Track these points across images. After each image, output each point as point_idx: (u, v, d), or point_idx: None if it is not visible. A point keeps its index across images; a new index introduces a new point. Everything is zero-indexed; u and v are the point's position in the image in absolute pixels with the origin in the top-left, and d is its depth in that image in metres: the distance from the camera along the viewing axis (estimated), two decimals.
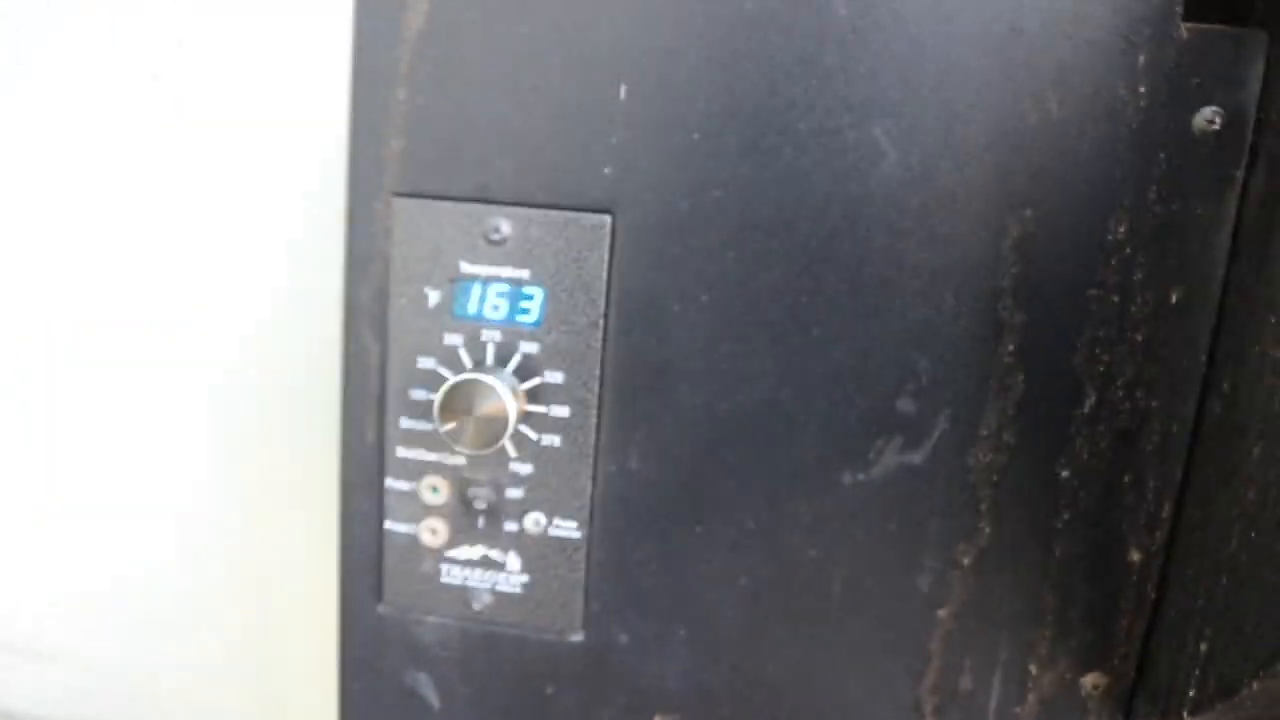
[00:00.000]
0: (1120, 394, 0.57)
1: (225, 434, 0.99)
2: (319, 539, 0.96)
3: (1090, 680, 0.61)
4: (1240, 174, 0.54)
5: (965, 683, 0.61)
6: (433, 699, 0.65)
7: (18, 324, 1.00)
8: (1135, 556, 0.59)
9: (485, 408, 0.57)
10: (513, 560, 0.62)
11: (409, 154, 0.58)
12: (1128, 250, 0.55)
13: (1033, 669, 0.61)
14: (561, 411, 0.60)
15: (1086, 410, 0.57)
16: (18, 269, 0.98)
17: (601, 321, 0.58)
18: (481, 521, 0.62)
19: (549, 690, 0.64)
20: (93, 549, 1.06)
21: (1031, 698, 0.61)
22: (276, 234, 0.91)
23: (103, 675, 1.10)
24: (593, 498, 0.61)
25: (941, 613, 0.61)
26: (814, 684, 0.62)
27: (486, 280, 0.59)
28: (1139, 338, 0.56)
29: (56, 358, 1.00)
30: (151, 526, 1.04)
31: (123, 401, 1.00)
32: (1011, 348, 0.57)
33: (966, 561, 0.60)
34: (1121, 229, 0.55)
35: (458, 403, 0.57)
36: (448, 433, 0.57)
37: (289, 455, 0.96)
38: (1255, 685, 0.47)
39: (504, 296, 0.59)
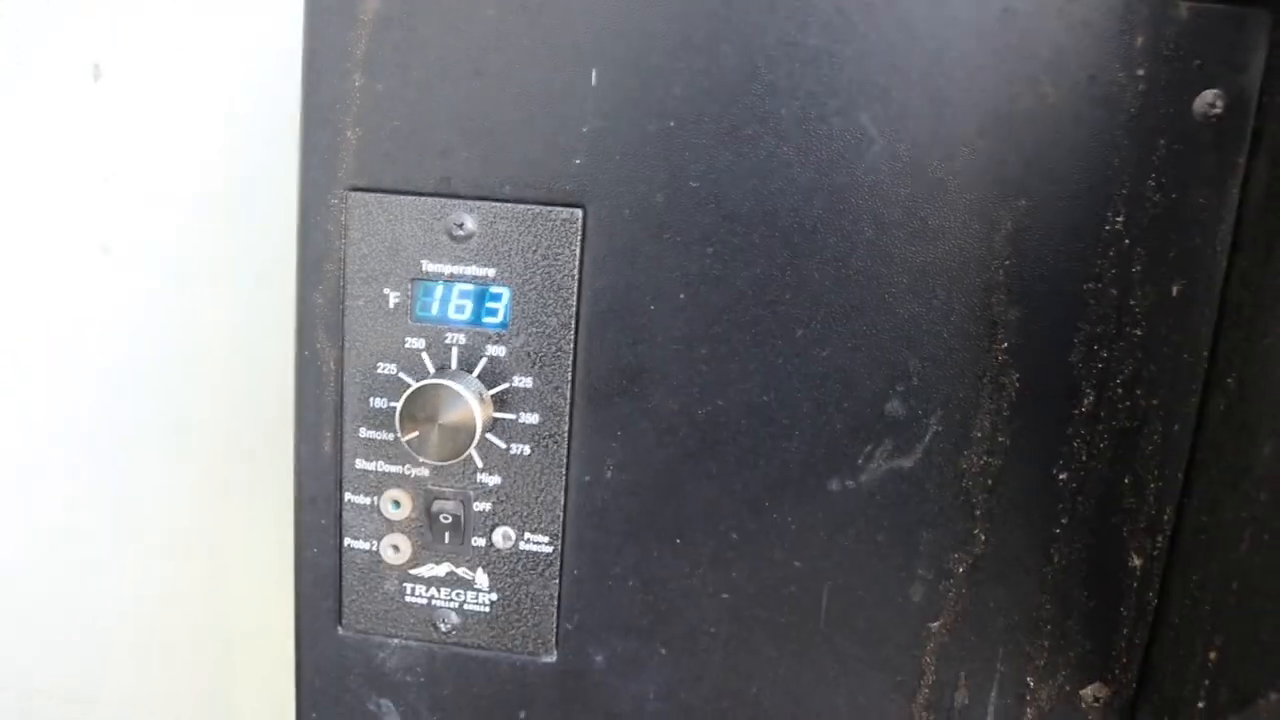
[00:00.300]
0: (1119, 392, 0.55)
1: (179, 451, 0.95)
2: (272, 559, 0.93)
3: (1090, 692, 0.59)
4: (1243, 161, 0.52)
5: (960, 698, 0.60)
6: None
7: None
8: (1136, 562, 0.57)
9: (450, 415, 0.54)
10: (481, 578, 0.60)
11: (366, 144, 0.56)
12: (1126, 242, 0.53)
13: (1030, 682, 0.59)
14: (531, 418, 0.57)
15: (1084, 410, 0.55)
16: None
17: (573, 322, 0.56)
18: (447, 537, 0.59)
19: (521, 715, 0.62)
20: (32, 569, 1.01)
21: (1030, 712, 0.60)
22: (232, 235, 0.87)
23: (46, 702, 1.05)
24: (565, 510, 0.59)
25: (935, 625, 0.59)
26: (801, 703, 0.60)
27: (450, 279, 0.56)
28: (1138, 333, 0.54)
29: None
30: (88, 547, 0.99)
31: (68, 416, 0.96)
32: (1005, 345, 0.55)
33: (961, 570, 0.58)
34: (1119, 219, 0.53)
35: (420, 410, 0.54)
36: (410, 442, 0.55)
37: (241, 466, 0.93)
38: (1274, 696, 0.45)
39: (469, 297, 0.56)
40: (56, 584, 1.02)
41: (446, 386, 0.54)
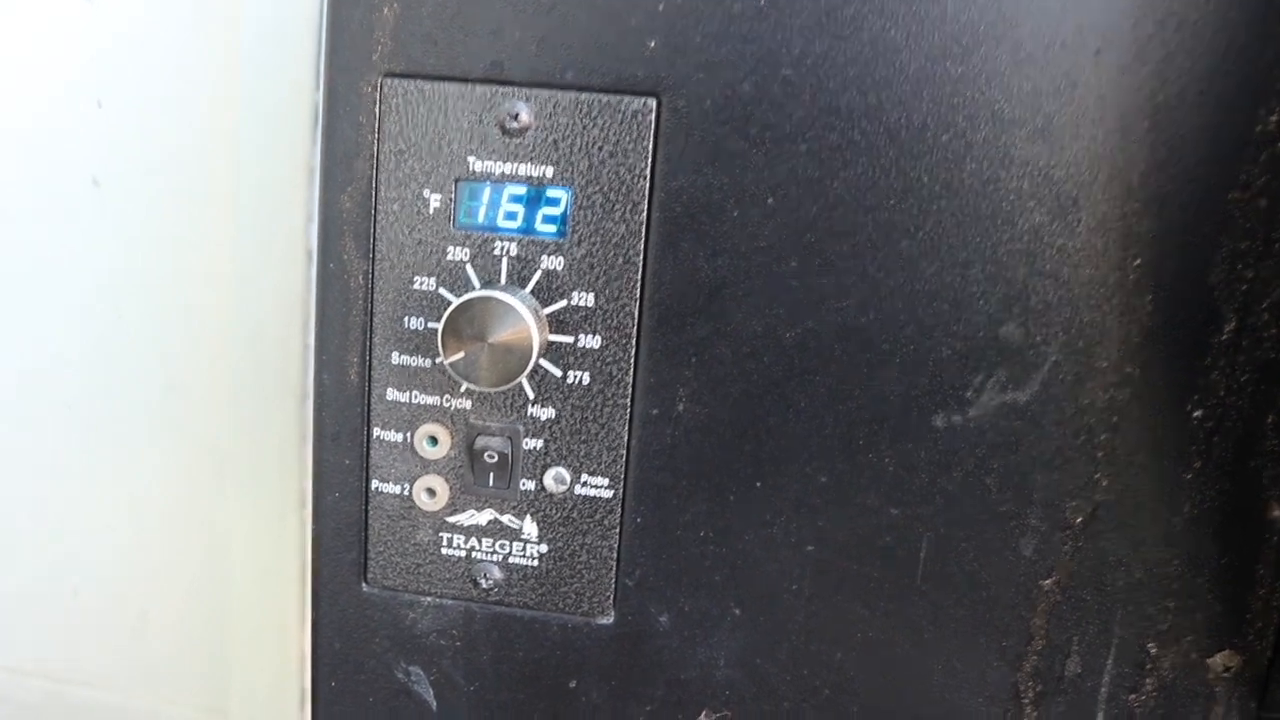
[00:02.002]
0: (1264, 318, 0.51)
1: (170, 393, 0.90)
2: (278, 509, 0.89)
3: (1220, 660, 0.56)
4: None
5: (1072, 665, 0.56)
6: (429, 698, 0.60)
7: None
8: (1277, 513, 0.53)
9: (502, 332, 0.51)
10: (529, 526, 0.57)
11: (404, 23, 0.52)
12: (1278, 145, 0.49)
13: (1152, 648, 0.56)
14: (591, 342, 0.54)
15: (1224, 338, 0.52)
16: None
17: (642, 230, 0.53)
18: (491, 479, 0.56)
19: (571, 684, 0.59)
20: (8, 540, 0.96)
21: (1149, 682, 0.57)
22: (235, 156, 0.82)
23: (34, 679, 1.02)
24: (629, 448, 0.56)
25: (1046, 583, 0.55)
26: (892, 671, 0.57)
27: (500, 180, 0.52)
28: None
29: None
30: (72, 508, 0.95)
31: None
32: (1138, 262, 0.51)
33: (1078, 521, 0.54)
34: (1273, 119, 0.49)
35: (468, 326, 0.51)
36: (454, 365, 0.52)
37: (241, 407, 0.88)
38: None
39: (521, 200, 0.53)
40: (37, 556, 0.98)
41: (498, 299, 0.50)
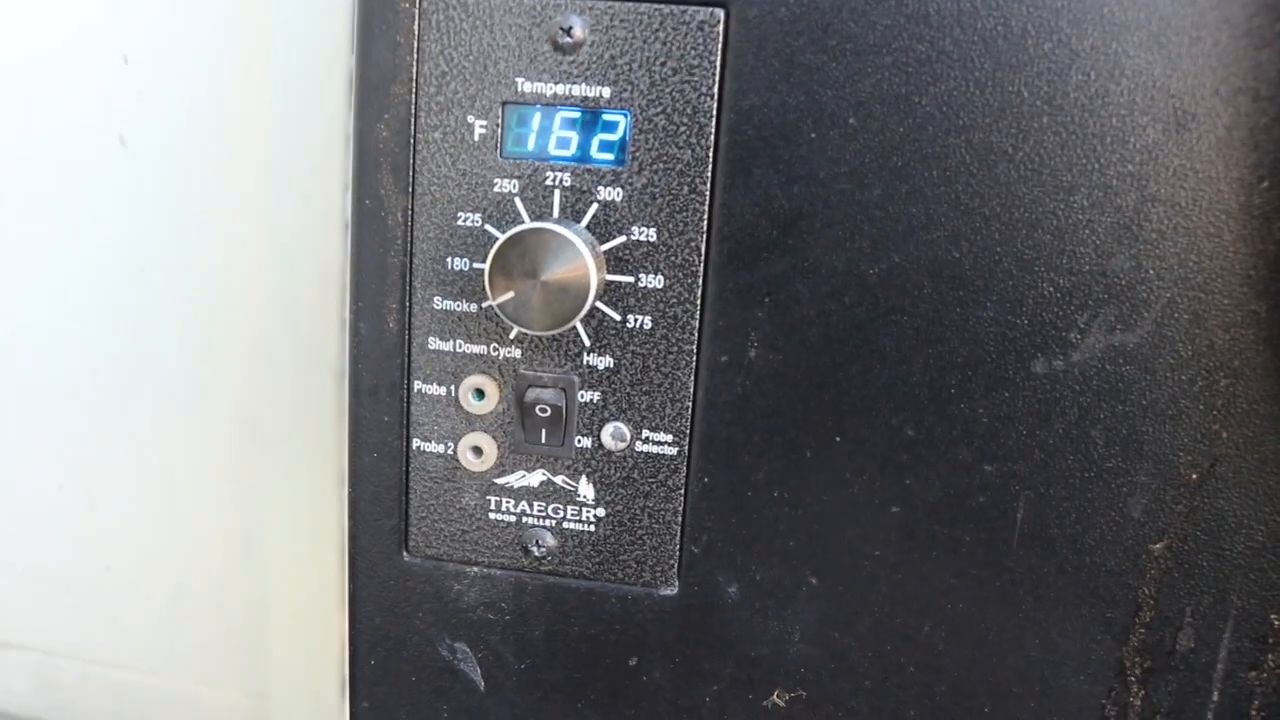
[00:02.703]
0: None
1: (203, 365, 0.86)
2: (316, 483, 0.85)
3: None
4: None
5: (1185, 640, 0.51)
6: (476, 678, 0.56)
7: None
8: None
9: (558, 270, 0.47)
10: (585, 488, 0.53)
11: None
12: None
13: (1275, 621, 0.51)
14: (654, 282, 0.50)
15: None
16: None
17: (710, 156, 0.49)
18: (544, 435, 0.52)
19: (632, 661, 0.55)
20: (44, 519, 0.94)
21: (1271, 659, 0.51)
22: (268, 117, 0.79)
23: (70, 661, 1.01)
24: (695, 400, 0.52)
25: (1157, 547, 0.51)
26: (985, 646, 0.52)
27: (552, 103, 0.49)
28: None
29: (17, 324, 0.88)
30: (104, 483, 0.92)
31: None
32: (1266, 185, 0.46)
33: (1194, 478, 0.50)
34: None
35: (519, 262, 0.47)
36: (503, 306, 0.47)
37: (278, 379, 0.85)
38: None
39: (575, 125, 0.49)
40: (68, 536, 0.97)
41: (553, 231, 0.46)
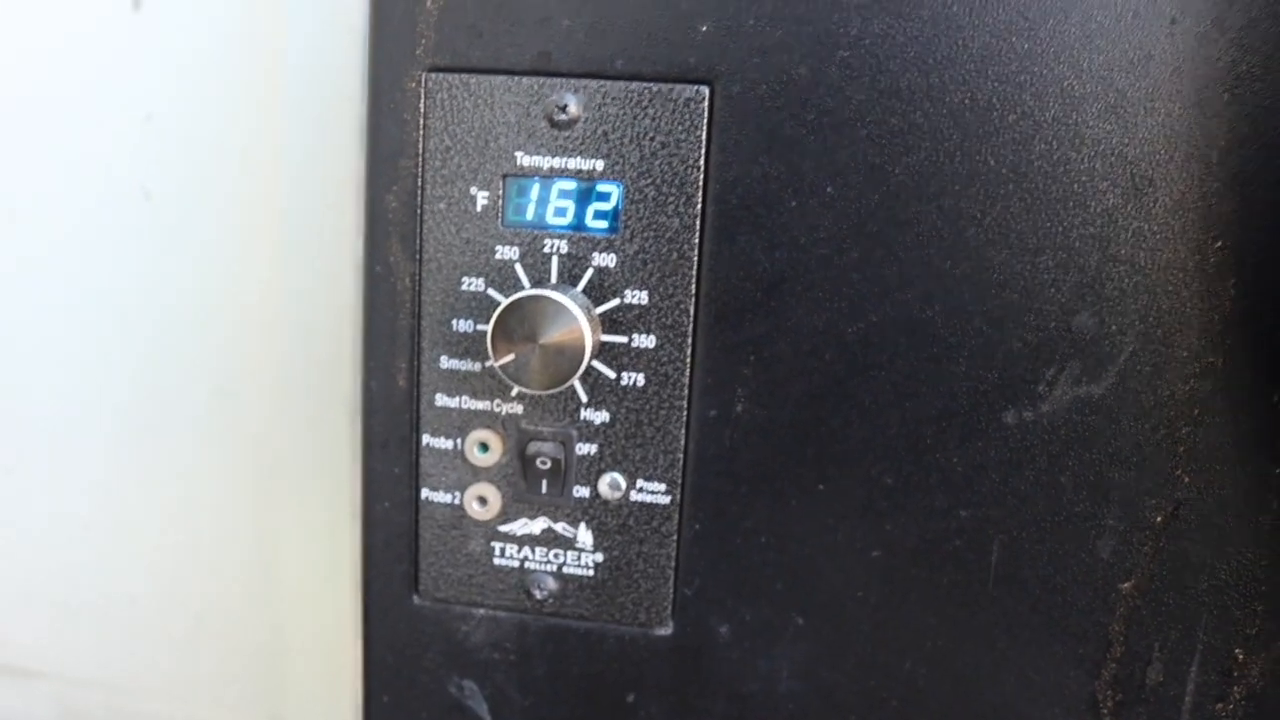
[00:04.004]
0: None
1: (222, 402, 0.87)
2: (327, 522, 0.86)
3: None
4: None
5: (1154, 673, 0.52)
6: (483, 713, 0.57)
7: None
8: None
9: (555, 333, 0.48)
10: (584, 535, 0.54)
11: (448, 15, 0.49)
12: None
13: (1239, 654, 0.52)
14: (646, 341, 0.50)
15: None
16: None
17: (697, 224, 0.49)
18: (544, 486, 0.53)
19: (630, 698, 0.55)
20: (66, 550, 0.95)
21: (1237, 690, 0.52)
22: (283, 165, 0.80)
23: (92, 690, 1.00)
24: (686, 452, 0.52)
25: (1125, 586, 0.51)
26: (964, 681, 0.53)
27: (549, 175, 0.50)
28: None
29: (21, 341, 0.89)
30: (128, 517, 0.93)
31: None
32: (1219, 245, 0.47)
33: (1159, 520, 0.50)
34: None
35: (519, 327, 0.48)
36: (505, 367, 0.48)
37: (295, 417, 0.85)
38: None
39: (571, 196, 0.50)
40: (92, 570, 0.96)
41: (550, 298, 0.47)
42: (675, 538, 0.53)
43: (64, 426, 0.93)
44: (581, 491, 0.52)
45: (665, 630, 0.54)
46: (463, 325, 0.51)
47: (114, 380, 0.90)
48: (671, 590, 0.53)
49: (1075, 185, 0.47)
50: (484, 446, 0.52)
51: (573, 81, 0.48)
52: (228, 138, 0.82)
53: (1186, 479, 0.49)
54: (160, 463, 0.92)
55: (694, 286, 0.50)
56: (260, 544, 0.91)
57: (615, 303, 0.50)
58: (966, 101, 0.47)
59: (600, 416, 0.51)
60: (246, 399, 0.89)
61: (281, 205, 0.81)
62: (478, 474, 0.53)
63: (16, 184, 0.86)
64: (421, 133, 0.50)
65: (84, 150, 0.85)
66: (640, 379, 0.51)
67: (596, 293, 0.50)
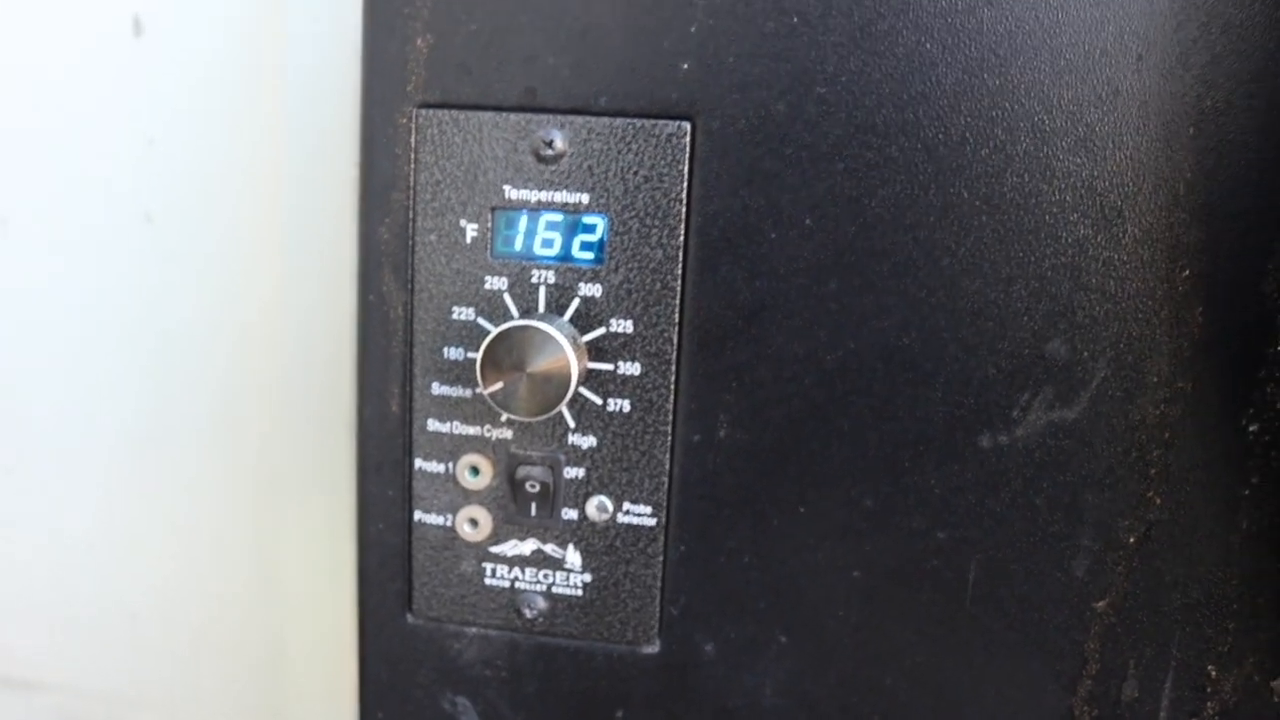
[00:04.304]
0: None
1: (223, 422, 0.89)
2: (327, 538, 0.87)
3: None
4: None
5: (1130, 689, 0.53)
6: None
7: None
8: None
9: (541, 362, 0.49)
10: (572, 556, 0.55)
11: (438, 53, 0.50)
12: None
13: (1212, 670, 0.53)
14: (631, 369, 0.52)
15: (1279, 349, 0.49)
16: None
17: (679, 255, 0.51)
18: (533, 508, 0.54)
19: (618, 714, 0.56)
20: (70, 567, 0.96)
21: (1211, 706, 0.53)
22: (282, 188, 0.81)
23: (94, 701, 1.00)
24: (671, 476, 0.53)
25: (1100, 604, 0.52)
26: (943, 697, 0.54)
27: (536, 208, 0.51)
28: None
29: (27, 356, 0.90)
30: (130, 534, 0.94)
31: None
32: (1187, 273, 0.48)
33: (1131, 540, 0.51)
34: None
35: (506, 356, 0.49)
36: (494, 395, 0.50)
37: (295, 437, 0.86)
38: None
39: (558, 228, 0.51)
40: (95, 583, 0.97)
41: (537, 328, 0.48)
42: (661, 558, 0.54)
43: (68, 442, 0.94)
44: (570, 514, 0.53)
45: (652, 648, 0.55)
46: (453, 353, 0.52)
47: (116, 398, 0.91)
48: (658, 609, 0.54)
49: (1046, 216, 0.48)
50: (475, 470, 0.53)
51: (558, 117, 0.49)
52: (228, 162, 0.84)
53: (1158, 500, 0.50)
54: (162, 478, 0.93)
55: (677, 315, 0.51)
56: (260, 558, 0.92)
57: (601, 331, 0.51)
58: (940, 136, 0.48)
59: (587, 441, 0.52)
60: (246, 416, 0.89)
61: (280, 228, 0.82)
62: (469, 497, 0.54)
63: (21, 205, 0.88)
64: (413, 167, 0.51)
65: (87, 173, 0.86)
66: (626, 405, 0.52)
67: (583, 322, 0.51)
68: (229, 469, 0.91)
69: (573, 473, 0.53)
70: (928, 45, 0.47)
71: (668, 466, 0.53)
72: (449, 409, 0.53)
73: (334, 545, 0.89)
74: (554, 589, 0.55)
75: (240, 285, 0.86)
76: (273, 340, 0.86)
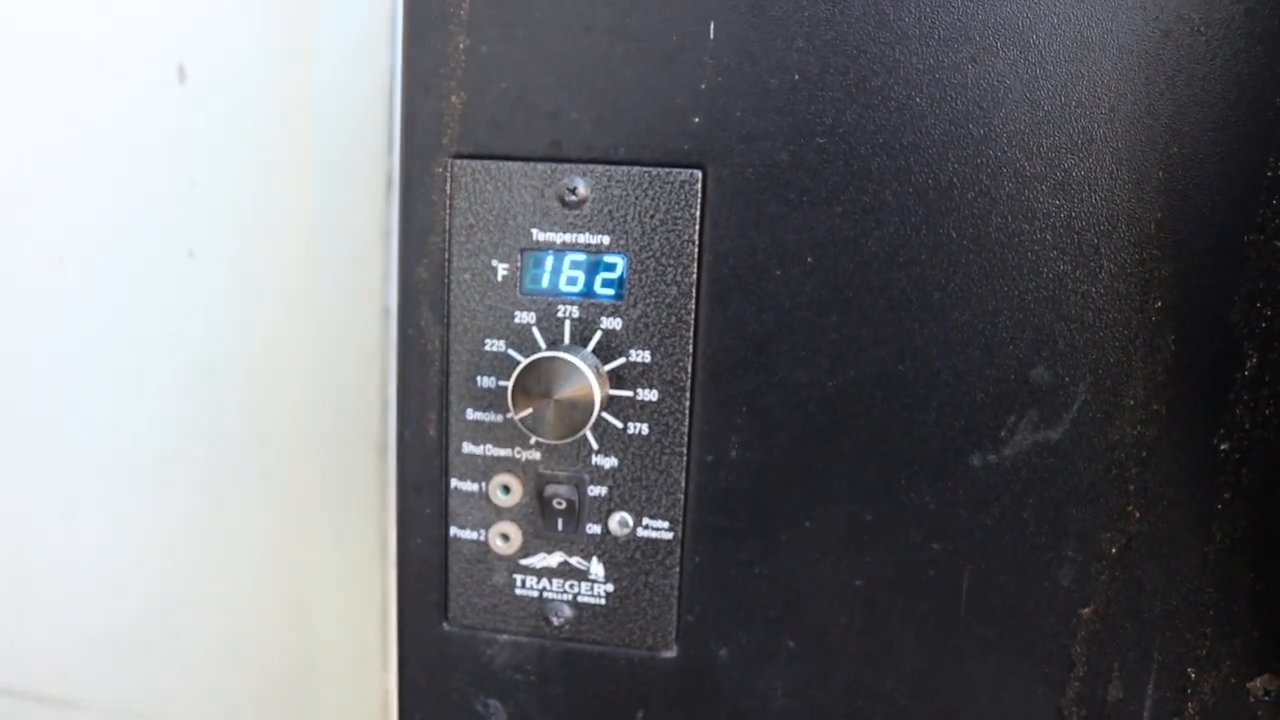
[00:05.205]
0: None
1: (260, 448, 0.93)
2: (360, 554, 0.91)
3: (1260, 684, 0.55)
4: None
5: (1114, 690, 0.56)
6: None
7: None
8: None
9: (567, 390, 0.52)
10: (596, 567, 0.58)
11: (471, 109, 0.54)
12: None
13: (1192, 673, 0.56)
14: (649, 395, 0.55)
15: (1246, 373, 0.52)
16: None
17: (693, 291, 0.54)
18: (560, 524, 0.57)
19: (639, 714, 0.60)
20: (113, 587, 1.00)
21: (1191, 706, 0.56)
22: (315, 223, 0.86)
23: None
24: (686, 493, 0.56)
25: (1086, 611, 0.55)
26: (940, 698, 0.57)
27: (561, 249, 0.54)
28: None
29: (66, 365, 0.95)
30: (174, 557, 0.98)
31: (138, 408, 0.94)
32: (1159, 305, 0.52)
33: (1113, 551, 0.55)
34: None
35: (535, 384, 0.53)
36: (524, 420, 0.53)
37: (326, 459, 0.90)
38: None
39: (581, 267, 0.55)
40: (140, 600, 1.01)
41: (563, 359, 0.52)
42: (678, 569, 0.57)
43: (113, 471, 0.98)
44: (594, 529, 0.57)
45: (670, 653, 0.58)
46: (486, 382, 0.56)
47: (160, 422, 0.95)
48: (675, 617, 0.58)
49: (1029, 254, 0.51)
50: (506, 489, 0.57)
51: (581, 167, 0.53)
52: (265, 201, 0.88)
53: (1137, 514, 0.54)
54: (202, 498, 0.97)
55: (691, 346, 0.54)
56: (291, 575, 0.95)
57: (621, 361, 0.55)
58: (930, 181, 0.51)
59: (609, 462, 0.56)
60: (281, 442, 0.93)
61: (310, 263, 0.87)
62: (500, 513, 0.57)
63: (76, 244, 0.92)
64: (448, 212, 0.55)
65: (134, 212, 0.91)
66: (645, 428, 0.55)
67: (605, 352, 0.54)
68: (263, 490, 0.95)
69: (596, 491, 0.56)
70: (917, 99, 0.51)
71: (683, 484, 0.56)
72: (482, 433, 0.57)
73: (362, 563, 0.93)
74: (579, 598, 0.58)
75: (274, 316, 0.90)
76: (305, 366, 0.90)
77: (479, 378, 0.56)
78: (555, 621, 0.58)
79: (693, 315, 0.54)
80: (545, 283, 0.54)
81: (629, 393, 0.55)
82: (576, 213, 0.54)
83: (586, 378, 0.52)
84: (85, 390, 0.96)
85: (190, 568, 0.98)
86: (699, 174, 0.53)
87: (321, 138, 0.85)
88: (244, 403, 0.93)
